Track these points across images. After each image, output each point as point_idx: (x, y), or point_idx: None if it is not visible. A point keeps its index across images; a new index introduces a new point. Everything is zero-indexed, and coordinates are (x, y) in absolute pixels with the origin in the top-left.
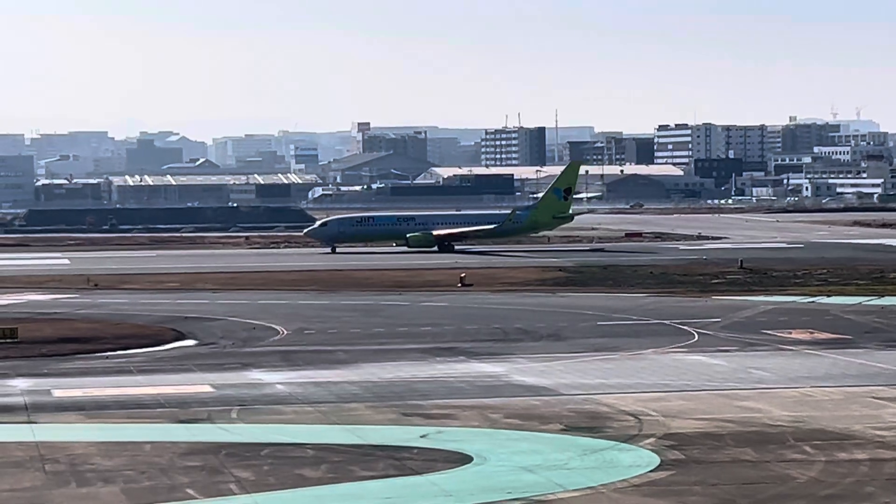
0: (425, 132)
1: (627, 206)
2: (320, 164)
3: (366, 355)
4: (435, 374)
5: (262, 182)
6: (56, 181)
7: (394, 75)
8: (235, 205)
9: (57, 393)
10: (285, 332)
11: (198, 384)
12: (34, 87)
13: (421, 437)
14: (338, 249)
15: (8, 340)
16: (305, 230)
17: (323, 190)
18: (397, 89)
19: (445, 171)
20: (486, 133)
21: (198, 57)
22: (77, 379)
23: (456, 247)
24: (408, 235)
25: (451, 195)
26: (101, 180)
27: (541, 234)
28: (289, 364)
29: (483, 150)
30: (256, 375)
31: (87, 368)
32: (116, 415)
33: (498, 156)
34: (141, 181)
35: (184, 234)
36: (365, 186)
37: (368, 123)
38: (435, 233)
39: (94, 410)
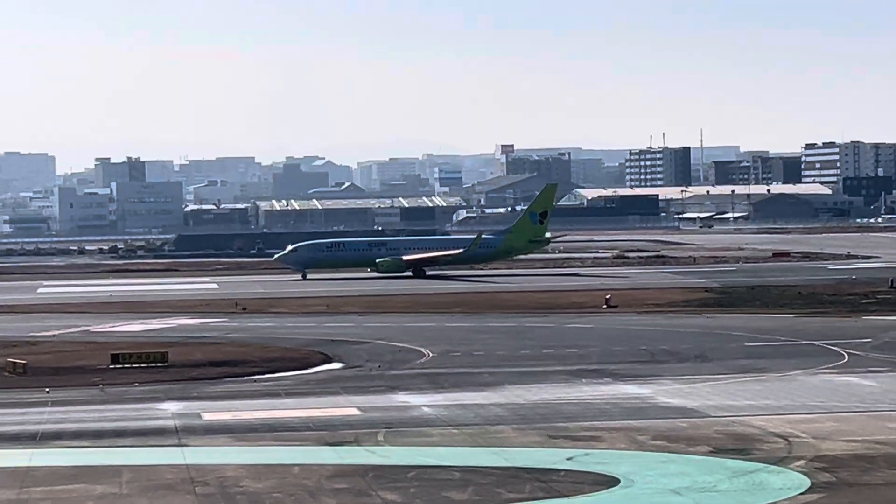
0: (569, 153)
1: (774, 226)
2: (464, 186)
3: (512, 377)
4: (581, 396)
5: (406, 205)
6: (204, 206)
7: (538, 97)
8: (380, 228)
9: (207, 416)
10: (431, 354)
11: (345, 407)
12: (183, 115)
13: (567, 459)
14: (308, 275)
15: (158, 364)
16: (276, 256)
17: (467, 212)
18: (541, 111)
19: (590, 193)
20: (631, 154)
21: (343, 83)
22: (226, 402)
23: (427, 272)
24: (377, 261)
25: (595, 216)
26: (249, 205)
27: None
28: (435, 386)
29: (627, 170)
30: (403, 398)
31: (236, 391)
32: (265, 437)
33: (642, 176)
34: (287, 205)
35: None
36: (509, 208)
37: (512, 145)
38: (405, 258)
39: (243, 433)
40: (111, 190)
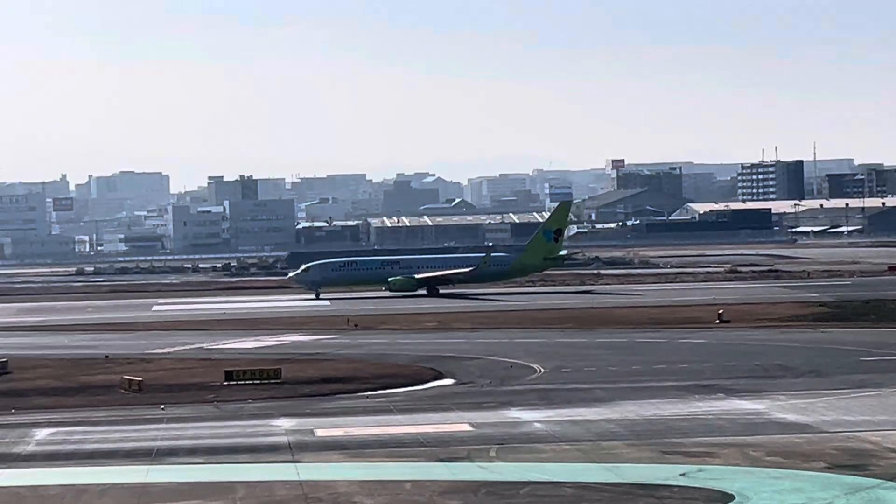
0: (680, 168)
1: (889, 239)
2: (574, 202)
3: (624, 393)
4: (694, 411)
5: (516, 221)
6: (316, 224)
7: (648, 111)
8: (491, 244)
9: (320, 432)
10: (542, 370)
11: (457, 423)
12: (295, 133)
13: (681, 475)
14: (321, 294)
15: (272, 381)
16: (289, 275)
17: (578, 228)
18: (652, 125)
19: (701, 207)
20: (743, 167)
21: (452, 99)
22: (339, 418)
23: (441, 290)
24: (389, 279)
25: (707, 231)
26: (360, 222)
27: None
28: (547, 402)
29: (739, 184)
30: (514, 414)
31: (348, 408)
32: (377, 453)
33: (755, 190)
34: (398, 222)
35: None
36: (620, 224)
37: (623, 160)
38: (417, 276)
39: (356, 449)
40: (224, 208)
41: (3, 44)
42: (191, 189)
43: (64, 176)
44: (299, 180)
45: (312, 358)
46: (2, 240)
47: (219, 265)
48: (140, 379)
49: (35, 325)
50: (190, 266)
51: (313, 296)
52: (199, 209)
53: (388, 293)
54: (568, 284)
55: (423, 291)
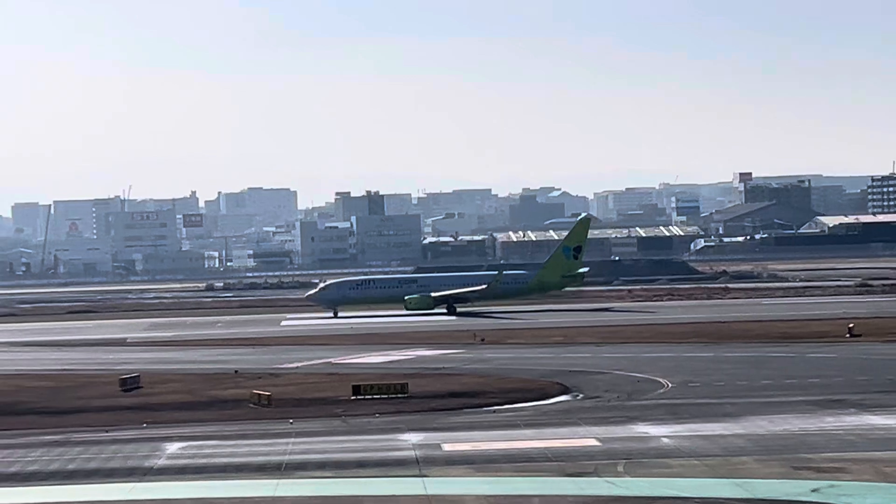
0: (809, 180)
1: None
2: (702, 215)
3: (753, 408)
4: (824, 426)
5: (643, 235)
6: (442, 239)
7: (776, 124)
8: (617, 258)
9: (447, 447)
10: (670, 384)
11: (584, 438)
12: (421, 148)
13: (812, 491)
14: (339, 313)
15: (399, 395)
16: (307, 294)
17: (705, 241)
18: (779, 138)
19: (830, 220)
20: (873, 179)
21: (576, 114)
22: (466, 433)
23: (458, 309)
24: (405, 298)
25: (836, 244)
26: (486, 237)
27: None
28: (674, 417)
29: (870, 197)
30: (642, 429)
31: (475, 422)
32: (504, 468)
33: (886, 203)
34: (524, 237)
35: (566, 289)
36: (748, 237)
37: (750, 173)
38: (434, 294)
39: (483, 464)
40: (351, 223)
41: (133, 66)
42: (318, 205)
43: (194, 192)
44: (426, 195)
45: (439, 372)
46: (133, 256)
47: None
48: (269, 393)
49: (166, 340)
50: (317, 281)
51: (331, 314)
52: (327, 225)
53: (405, 312)
54: (696, 298)
55: (444, 310)
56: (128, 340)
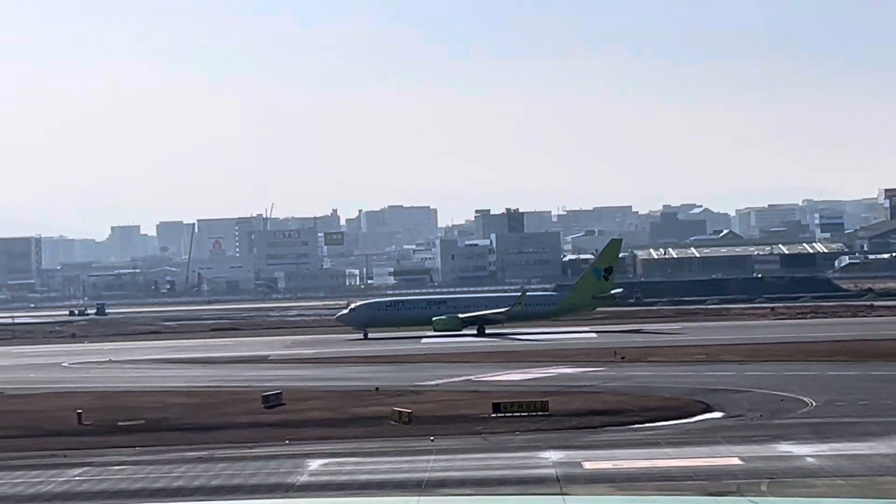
0: None
1: None
2: (846, 232)
3: None
4: None
5: (786, 252)
6: (582, 256)
7: None
8: (760, 275)
9: (587, 465)
10: (814, 403)
11: (726, 456)
12: (561, 165)
13: None
14: (370, 335)
15: (539, 413)
16: (336, 315)
17: (849, 258)
18: None
19: None
20: None
21: (716, 129)
22: (607, 451)
23: (487, 330)
24: (433, 319)
25: None
26: (626, 254)
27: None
28: (819, 436)
29: None
30: (785, 448)
31: (616, 440)
32: (646, 487)
33: None
34: (665, 254)
35: (708, 306)
36: (893, 254)
37: None
38: (461, 316)
39: (624, 482)
40: (491, 241)
41: (275, 87)
42: (458, 222)
43: (335, 211)
44: (565, 213)
45: (579, 390)
46: (275, 274)
47: None
48: (410, 411)
49: (308, 357)
50: (344, 303)
51: (361, 335)
52: (467, 242)
53: (433, 333)
54: (840, 316)
55: (474, 331)
56: (270, 357)
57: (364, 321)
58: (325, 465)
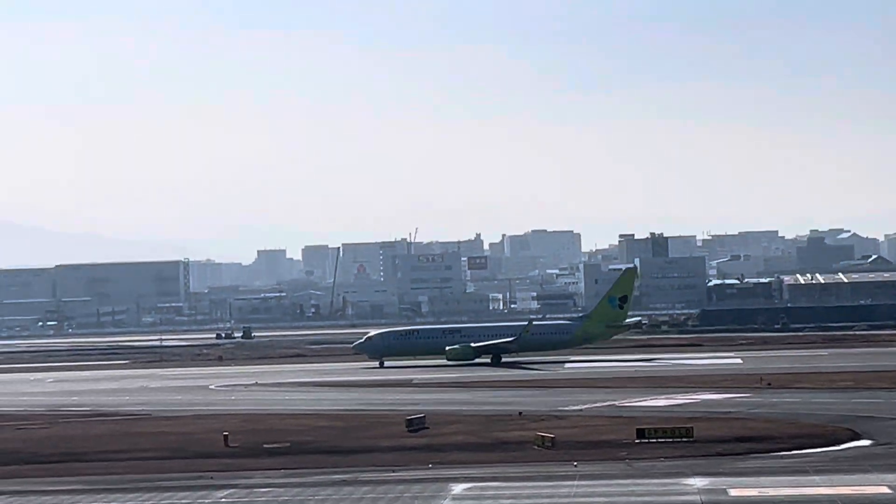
0: None
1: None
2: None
3: None
4: None
5: None
6: (727, 281)
7: None
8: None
9: (733, 492)
10: None
11: (876, 485)
12: (706, 190)
13: None
14: (385, 363)
15: (683, 439)
16: (353, 344)
17: None
18: None
19: None
20: None
21: (862, 153)
22: (753, 478)
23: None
24: (447, 348)
25: None
26: (772, 279)
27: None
28: None
29: None
30: None
31: (762, 468)
32: None
33: None
34: (811, 279)
35: (856, 333)
36: None
37: None
38: (474, 345)
39: None
40: (635, 266)
41: (418, 114)
42: (601, 247)
43: (478, 235)
44: (710, 237)
45: (725, 416)
46: (419, 298)
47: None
48: (553, 435)
49: (452, 381)
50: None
51: (377, 364)
52: (610, 267)
53: (446, 362)
54: None
55: (488, 360)
56: (413, 381)
57: (380, 350)
58: (469, 489)
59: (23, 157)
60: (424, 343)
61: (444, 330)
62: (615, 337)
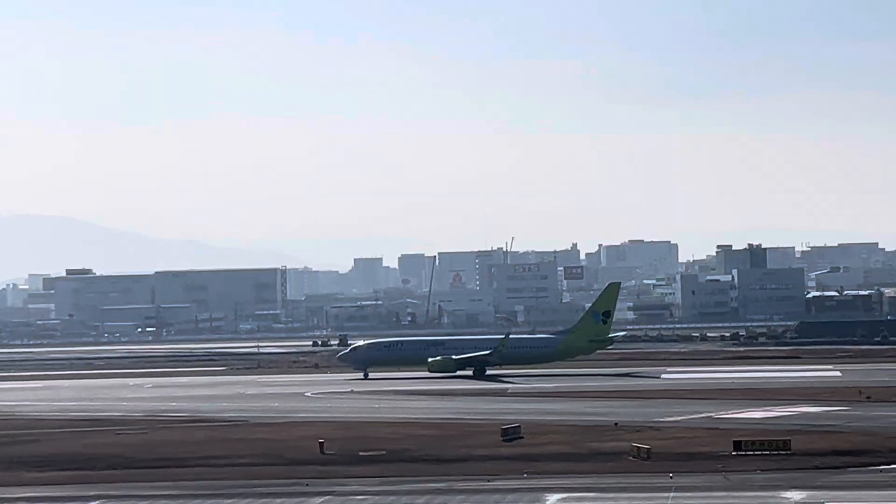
0: None
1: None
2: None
3: None
4: None
5: None
6: (826, 293)
7: None
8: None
9: None
10: None
11: None
12: (804, 201)
13: None
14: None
15: (781, 452)
16: (338, 355)
17: None
18: None
19: None
20: None
21: None
22: (851, 492)
23: (487, 371)
24: (428, 360)
25: None
26: (872, 292)
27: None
28: None
29: None
30: None
31: (861, 482)
32: None
33: None
34: None
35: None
36: None
37: None
38: (454, 357)
39: None
40: (732, 277)
41: (517, 126)
42: (699, 258)
43: (575, 245)
44: (809, 249)
45: (823, 429)
46: (515, 307)
47: (727, 334)
48: (648, 447)
49: (546, 391)
50: (697, 335)
51: (361, 375)
52: (708, 278)
53: (428, 374)
54: None
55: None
56: (508, 391)
57: (364, 361)
58: (564, 499)
59: (126, 167)
60: (408, 354)
61: (427, 342)
62: (598, 351)
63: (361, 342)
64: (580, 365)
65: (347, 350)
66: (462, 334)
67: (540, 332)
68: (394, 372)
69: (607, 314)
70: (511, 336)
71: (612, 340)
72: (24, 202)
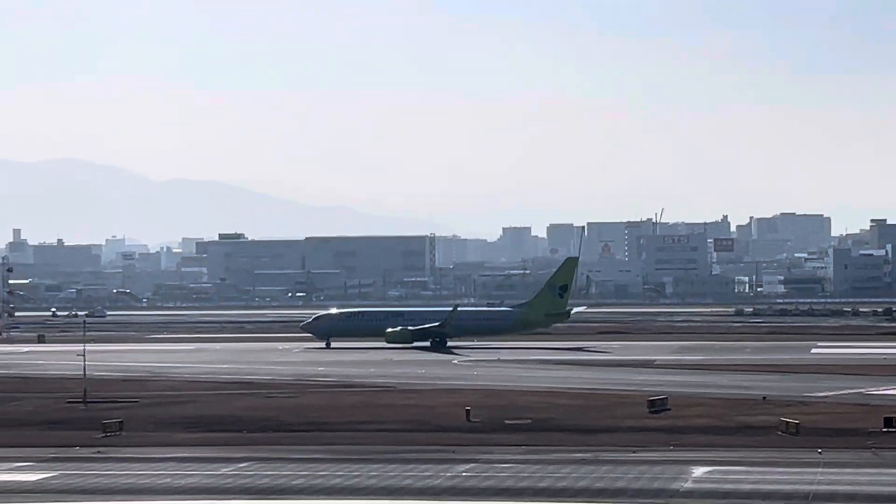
0: None
1: None
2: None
3: None
4: None
5: None
6: None
7: None
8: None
9: None
10: None
11: None
12: None
13: None
14: (332, 344)
15: None
16: (301, 324)
17: None
18: None
19: None
20: None
21: None
22: None
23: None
24: (387, 331)
25: None
26: None
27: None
28: None
29: None
30: None
31: None
32: None
33: None
34: None
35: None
36: None
37: None
38: (411, 329)
39: None
40: (886, 252)
41: (660, 99)
42: (852, 232)
43: (725, 217)
44: None
45: None
46: (663, 279)
47: (879, 310)
48: (797, 422)
49: (695, 363)
50: (849, 310)
51: (324, 345)
52: (861, 252)
53: (385, 345)
54: None
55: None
56: (655, 363)
57: (325, 331)
58: (710, 472)
59: (280, 136)
60: (368, 325)
61: (387, 313)
62: (555, 325)
63: (323, 312)
64: (726, 338)
65: (311, 320)
66: (604, 306)
67: (690, 302)
68: (354, 342)
69: (564, 288)
70: (466, 308)
71: (568, 314)
72: (175, 167)
